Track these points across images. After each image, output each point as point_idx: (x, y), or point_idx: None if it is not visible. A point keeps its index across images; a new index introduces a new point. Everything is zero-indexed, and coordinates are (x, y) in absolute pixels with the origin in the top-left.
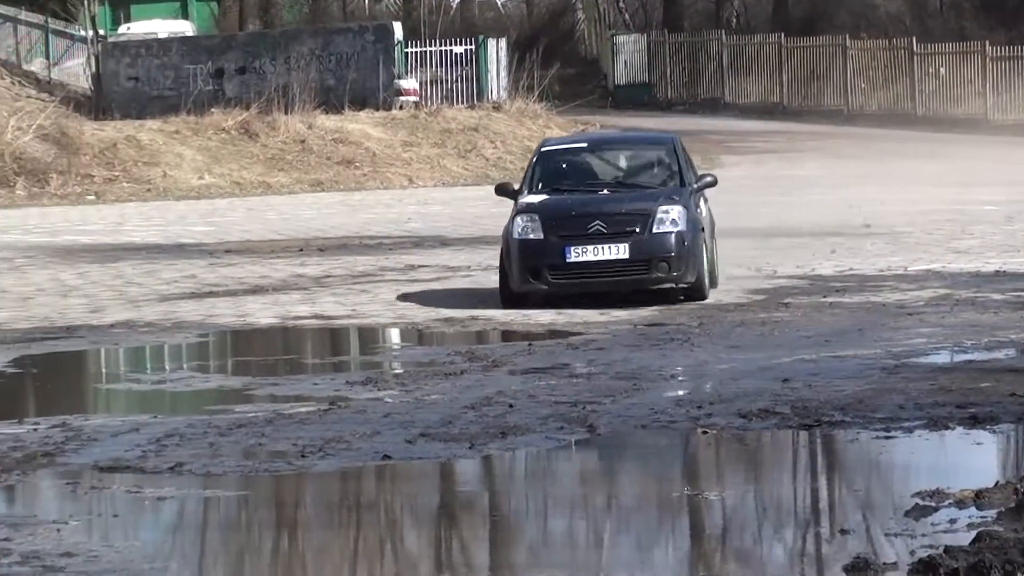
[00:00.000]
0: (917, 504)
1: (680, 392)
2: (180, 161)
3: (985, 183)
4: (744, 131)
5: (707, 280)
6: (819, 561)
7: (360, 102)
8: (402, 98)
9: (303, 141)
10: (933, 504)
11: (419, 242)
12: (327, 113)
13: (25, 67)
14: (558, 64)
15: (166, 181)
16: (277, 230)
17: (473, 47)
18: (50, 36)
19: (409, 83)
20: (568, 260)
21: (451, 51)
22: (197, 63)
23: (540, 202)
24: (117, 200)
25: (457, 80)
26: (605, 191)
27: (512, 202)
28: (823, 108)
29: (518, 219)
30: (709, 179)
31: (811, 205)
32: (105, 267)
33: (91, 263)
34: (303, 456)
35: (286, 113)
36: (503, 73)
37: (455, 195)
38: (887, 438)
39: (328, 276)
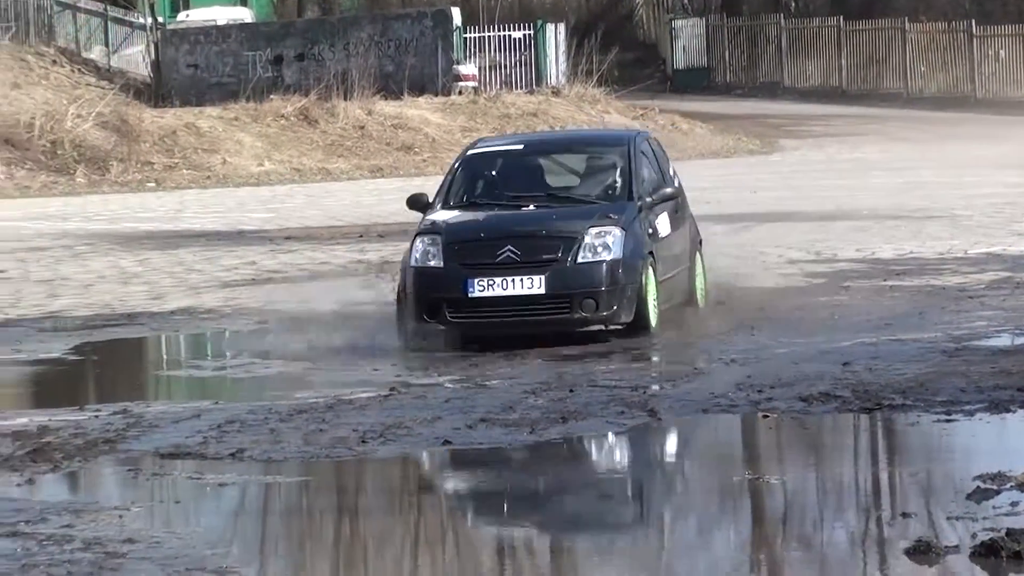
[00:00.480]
0: (979, 487)
1: (740, 376)
2: (240, 148)
3: None
4: (803, 115)
5: (651, 314)
6: (881, 544)
7: (419, 88)
8: (461, 83)
9: (362, 127)
10: (995, 487)
11: None
12: (386, 99)
13: (84, 55)
14: (616, 49)
15: (226, 168)
16: (337, 216)
17: (531, 32)
18: (109, 24)
19: (468, 68)
20: (470, 295)
21: (509, 36)
22: (256, 50)
23: (446, 221)
24: (177, 187)
25: (516, 65)
26: (532, 206)
27: None
28: (882, 91)
29: (417, 242)
30: (668, 191)
31: (870, 189)
32: (165, 254)
33: (151, 250)
34: (363, 442)
35: (345, 99)
36: (562, 58)
37: None
38: (948, 421)
39: (388, 262)
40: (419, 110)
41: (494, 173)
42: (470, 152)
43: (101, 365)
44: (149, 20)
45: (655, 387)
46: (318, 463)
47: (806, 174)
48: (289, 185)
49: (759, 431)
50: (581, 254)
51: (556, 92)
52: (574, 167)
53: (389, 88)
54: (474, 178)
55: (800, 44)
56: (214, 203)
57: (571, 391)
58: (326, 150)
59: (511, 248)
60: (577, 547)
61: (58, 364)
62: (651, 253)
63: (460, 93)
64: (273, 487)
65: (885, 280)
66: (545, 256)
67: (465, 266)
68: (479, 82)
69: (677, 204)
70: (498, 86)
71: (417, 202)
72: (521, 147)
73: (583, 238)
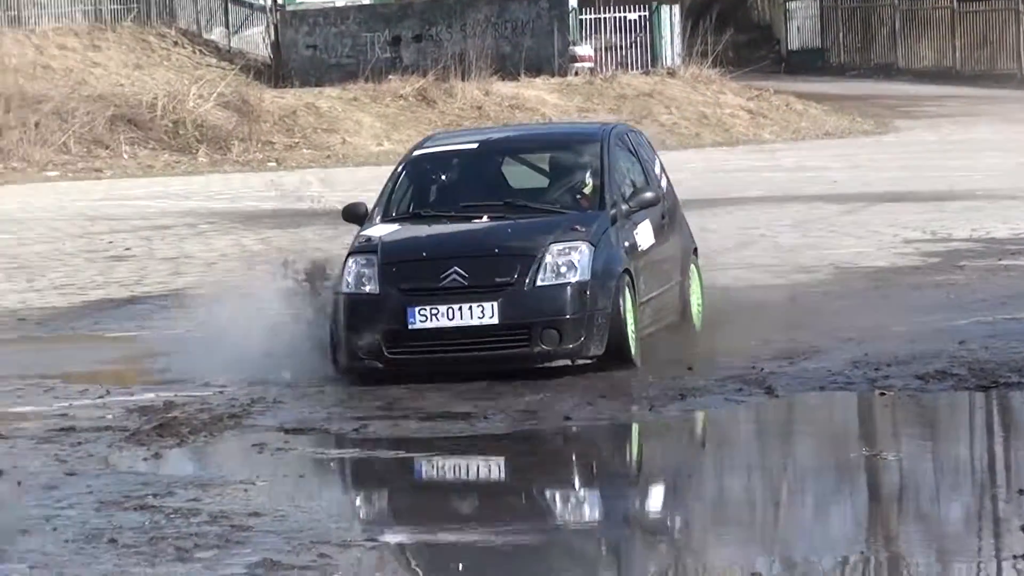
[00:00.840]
0: None
1: (857, 354)
2: (359, 128)
3: None
4: (917, 95)
5: (631, 344)
6: (996, 521)
7: (535, 69)
8: (577, 64)
9: (480, 107)
10: None
11: None
12: (503, 80)
13: (205, 36)
14: (731, 30)
15: (345, 147)
16: None
17: (647, 14)
18: (229, 5)
19: (584, 49)
20: (411, 326)
21: (625, 18)
22: (374, 31)
23: (383, 237)
24: (297, 166)
25: (631, 47)
26: (485, 218)
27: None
28: (996, 72)
29: (350, 262)
30: (648, 195)
31: (985, 169)
32: (287, 232)
33: (273, 228)
34: (485, 418)
35: (463, 80)
36: (677, 39)
37: None
38: None
39: None
40: (536, 91)
41: (443, 178)
42: (416, 153)
43: (226, 341)
44: (269, 1)
45: (772, 365)
46: (436, 440)
47: (920, 155)
48: None
49: (875, 408)
50: (541, 275)
51: (671, 73)
52: (538, 170)
53: (506, 69)
54: (420, 184)
55: (913, 25)
56: (334, 182)
57: (689, 369)
58: (444, 128)
59: (458, 270)
60: (694, 521)
61: (183, 341)
62: (628, 271)
63: (576, 74)
64: (396, 462)
65: (1000, 260)
66: (498, 279)
67: (404, 292)
68: (595, 63)
69: (664, 209)
70: (614, 67)
71: (353, 213)
72: (475, 146)
73: (543, 256)
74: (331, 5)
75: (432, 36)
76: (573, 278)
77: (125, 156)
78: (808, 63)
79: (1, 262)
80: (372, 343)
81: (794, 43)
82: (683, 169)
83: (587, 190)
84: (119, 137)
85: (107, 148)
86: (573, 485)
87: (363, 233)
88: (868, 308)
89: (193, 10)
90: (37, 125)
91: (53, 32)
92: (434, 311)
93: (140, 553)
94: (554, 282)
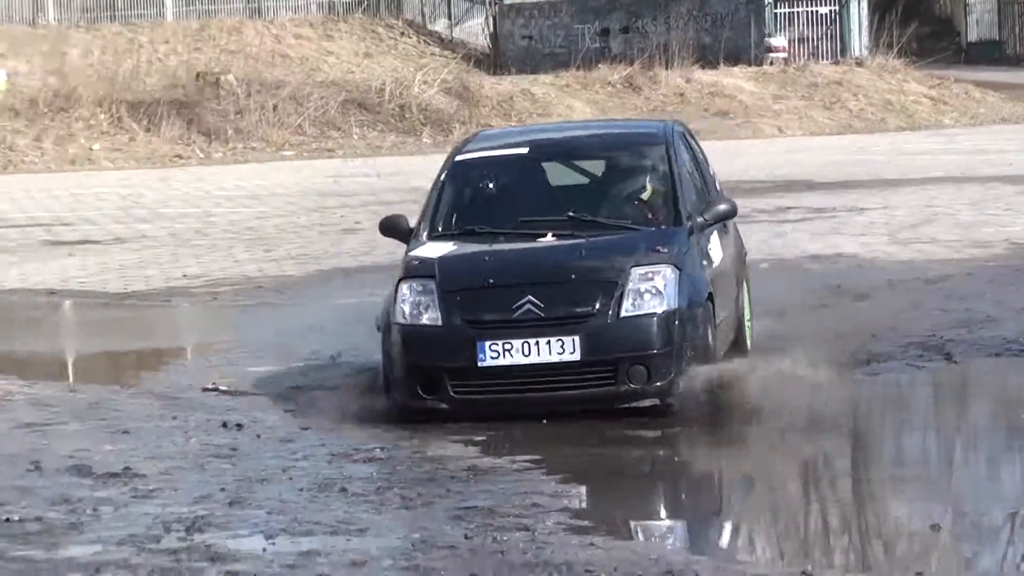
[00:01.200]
0: None
1: None
2: (571, 112)
3: None
4: None
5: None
6: None
7: (734, 58)
8: (772, 54)
9: (682, 94)
10: None
11: (788, 186)
12: (703, 68)
13: (429, 27)
14: (915, 23)
15: None
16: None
17: (837, 8)
18: (451, 0)
19: (778, 41)
20: (482, 363)
21: (816, 11)
22: (585, 23)
23: (441, 259)
24: None
25: (822, 38)
26: (549, 236)
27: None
28: None
29: (404, 288)
30: (725, 208)
31: None
32: None
33: None
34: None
35: (666, 68)
36: (864, 32)
37: (820, 143)
38: None
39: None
40: (734, 79)
41: (492, 187)
42: (459, 158)
43: None
44: None
45: (951, 333)
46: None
47: None
48: None
49: None
50: (625, 305)
51: (859, 63)
52: (595, 178)
53: (706, 58)
54: (467, 195)
55: None
56: None
57: (873, 336)
58: (647, 115)
59: (532, 299)
60: (874, 476)
61: None
62: (711, 296)
63: (771, 63)
64: None
65: None
66: (578, 309)
67: (472, 324)
68: (788, 53)
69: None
70: (806, 57)
71: (394, 227)
72: (525, 150)
73: (626, 282)
74: (544, 0)
75: (638, 28)
76: (660, 307)
77: (355, 137)
78: (986, 54)
79: (241, 234)
80: (435, 381)
81: (973, 35)
82: (870, 152)
83: (658, 200)
84: (350, 120)
85: (339, 130)
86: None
87: (413, 254)
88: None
89: (419, 3)
90: (275, 108)
91: (290, 23)
92: (507, 346)
93: (368, 501)
94: (640, 312)
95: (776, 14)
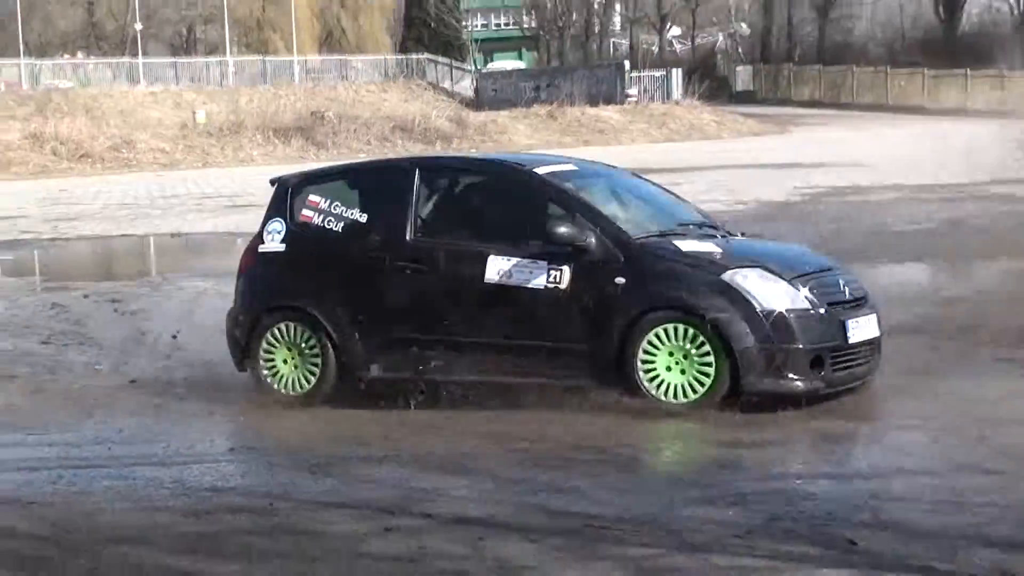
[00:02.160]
0: None
1: None
2: (517, 131)
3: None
4: (801, 114)
5: None
6: None
7: (608, 101)
8: (629, 99)
9: (579, 121)
10: None
11: (640, 171)
12: (591, 107)
13: (440, 85)
14: (707, 80)
15: (510, 143)
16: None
17: (664, 73)
18: (453, 70)
19: (632, 91)
20: (849, 339)
21: (653, 75)
22: (526, 82)
23: (745, 252)
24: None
25: (656, 89)
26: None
27: None
28: (840, 102)
29: (774, 279)
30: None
31: (835, 151)
32: None
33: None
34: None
35: (571, 107)
36: (680, 85)
37: (656, 148)
38: None
39: None
40: (608, 112)
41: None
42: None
43: None
44: (473, 68)
45: None
46: None
47: (804, 144)
48: None
49: None
50: None
51: (676, 103)
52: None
53: (592, 101)
54: None
55: (800, 78)
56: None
57: None
58: (560, 133)
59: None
60: None
61: None
62: None
63: (628, 104)
64: None
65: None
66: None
67: (834, 306)
68: (637, 98)
69: None
70: (648, 100)
71: None
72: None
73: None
74: (503, 70)
75: (555, 84)
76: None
77: (399, 146)
78: (746, 98)
79: None
80: (821, 360)
81: (739, 87)
82: (680, 152)
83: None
84: (397, 137)
85: (390, 142)
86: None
87: (712, 249)
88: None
89: (435, 71)
90: (354, 131)
91: (363, 84)
92: (854, 324)
93: None
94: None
95: (630, 76)
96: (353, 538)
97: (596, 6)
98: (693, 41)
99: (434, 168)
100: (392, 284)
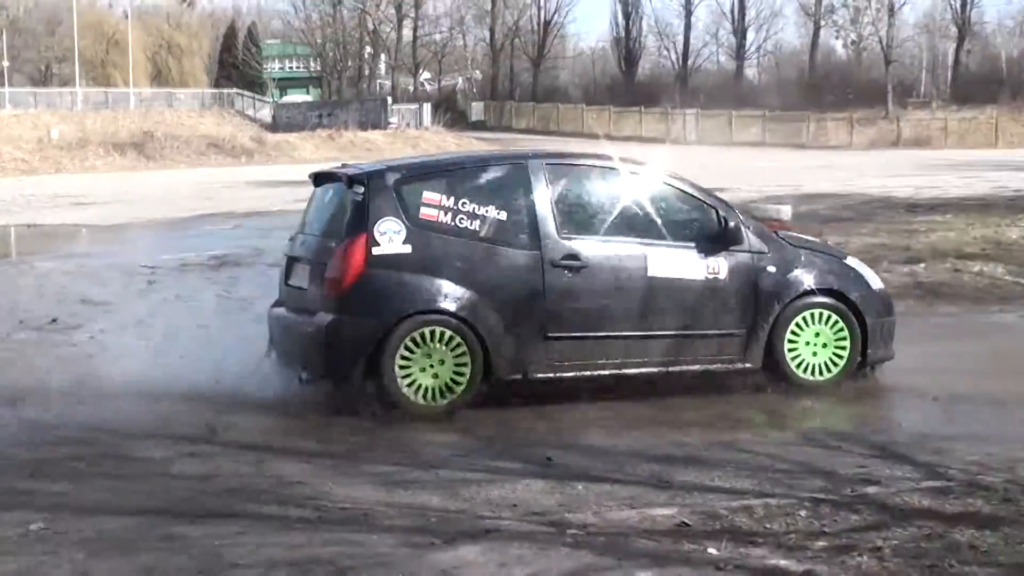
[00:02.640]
0: None
1: None
2: (304, 149)
3: None
4: (520, 138)
5: None
6: None
7: (374, 126)
8: (391, 126)
9: (352, 142)
10: None
11: None
12: (362, 131)
13: (247, 112)
14: (449, 112)
15: (297, 159)
16: None
17: (417, 107)
18: (255, 101)
19: (393, 119)
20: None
21: (411, 108)
22: (313, 112)
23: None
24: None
25: (412, 119)
26: None
27: None
28: (553, 130)
29: (856, 263)
30: None
31: None
32: None
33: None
34: None
35: (347, 131)
36: (429, 116)
37: None
38: None
39: None
40: (375, 136)
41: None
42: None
43: None
44: (271, 99)
45: None
46: None
47: None
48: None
49: None
50: None
51: (426, 128)
52: None
53: (363, 126)
54: None
55: (520, 112)
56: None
57: None
58: (339, 152)
59: None
60: None
61: None
62: None
63: (390, 129)
64: None
65: None
66: None
67: None
68: (398, 125)
69: None
70: (406, 126)
71: None
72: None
73: None
74: (295, 102)
75: (336, 114)
76: None
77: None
78: (480, 126)
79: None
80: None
81: (474, 117)
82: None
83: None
84: (212, 155)
85: (204, 156)
86: None
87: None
88: None
89: (242, 102)
90: None
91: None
92: None
93: None
94: None
95: (391, 108)
96: (162, 462)
97: (366, 56)
98: (439, 83)
99: (560, 163)
100: (550, 283)
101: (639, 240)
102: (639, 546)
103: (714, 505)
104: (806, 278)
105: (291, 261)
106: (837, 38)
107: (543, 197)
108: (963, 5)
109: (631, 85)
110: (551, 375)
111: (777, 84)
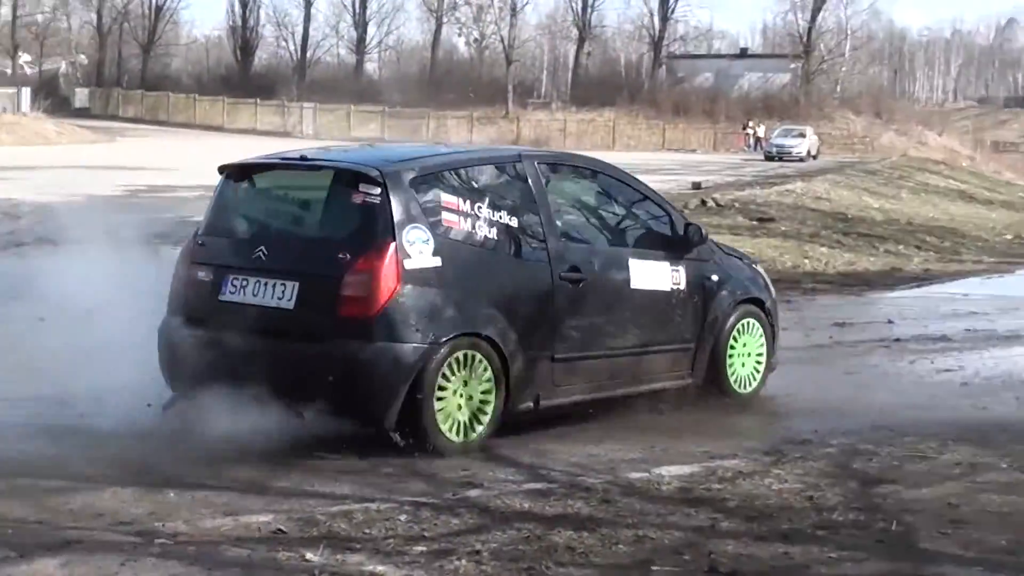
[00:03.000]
0: None
1: None
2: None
3: None
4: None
5: None
6: None
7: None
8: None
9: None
10: None
11: None
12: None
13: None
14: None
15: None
16: None
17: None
18: None
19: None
20: None
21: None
22: None
23: None
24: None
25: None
26: None
27: None
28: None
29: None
30: None
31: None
32: None
33: None
34: None
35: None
36: None
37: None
38: None
39: None
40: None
41: None
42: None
43: None
44: None
45: None
46: None
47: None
48: None
49: None
50: None
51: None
52: None
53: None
54: None
55: (127, 98)
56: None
57: None
58: None
59: None
60: None
61: None
62: None
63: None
64: None
65: None
66: None
67: None
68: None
69: None
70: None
71: None
72: None
73: None
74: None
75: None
76: None
77: None
78: (84, 113)
79: None
80: None
81: (77, 104)
82: (31, 154)
83: None
84: None
85: None
86: None
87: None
88: None
89: None
90: None
91: None
92: None
93: None
94: None
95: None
96: None
97: None
98: (40, 66)
99: (548, 162)
100: (558, 297)
101: (622, 248)
102: (231, 555)
103: (313, 511)
104: (739, 287)
105: (222, 270)
106: (460, 36)
107: (544, 201)
108: (584, 8)
109: (247, 76)
110: (562, 400)
111: (398, 80)
